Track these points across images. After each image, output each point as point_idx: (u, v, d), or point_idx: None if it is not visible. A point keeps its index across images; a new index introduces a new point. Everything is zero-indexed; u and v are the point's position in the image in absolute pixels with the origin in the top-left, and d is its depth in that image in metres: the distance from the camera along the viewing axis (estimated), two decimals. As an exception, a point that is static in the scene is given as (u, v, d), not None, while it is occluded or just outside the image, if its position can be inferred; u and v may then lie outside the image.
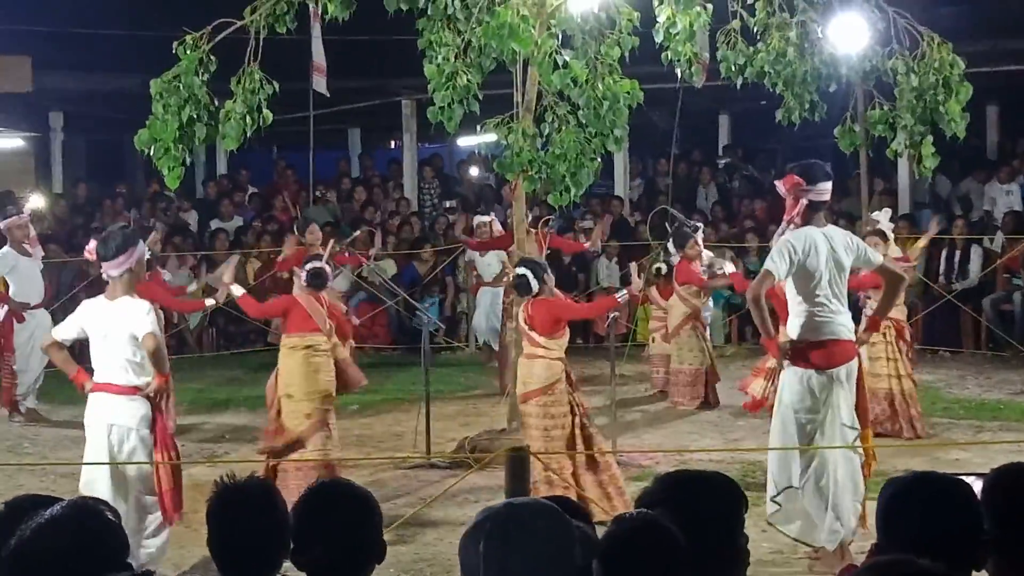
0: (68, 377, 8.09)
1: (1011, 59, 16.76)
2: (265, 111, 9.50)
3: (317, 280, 9.56)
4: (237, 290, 9.96)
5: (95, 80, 20.58)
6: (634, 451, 10.98)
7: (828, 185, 7.90)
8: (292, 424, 9.36)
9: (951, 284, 16.15)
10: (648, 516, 3.19)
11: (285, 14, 9.74)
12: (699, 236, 13.37)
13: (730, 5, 10.69)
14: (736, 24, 10.71)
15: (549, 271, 9.51)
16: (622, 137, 9.93)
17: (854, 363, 7.87)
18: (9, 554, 3.05)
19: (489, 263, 15.67)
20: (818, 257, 7.69)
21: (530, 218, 13.41)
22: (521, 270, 9.37)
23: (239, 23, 9.58)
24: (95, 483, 7.85)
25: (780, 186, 7.94)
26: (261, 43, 9.61)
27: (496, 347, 15.56)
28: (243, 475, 3.80)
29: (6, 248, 13.13)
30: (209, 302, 12.39)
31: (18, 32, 19.54)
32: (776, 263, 7.63)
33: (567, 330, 9.43)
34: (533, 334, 9.22)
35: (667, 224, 13.92)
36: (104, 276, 7.91)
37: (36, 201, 18.39)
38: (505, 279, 12.28)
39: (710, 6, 10.02)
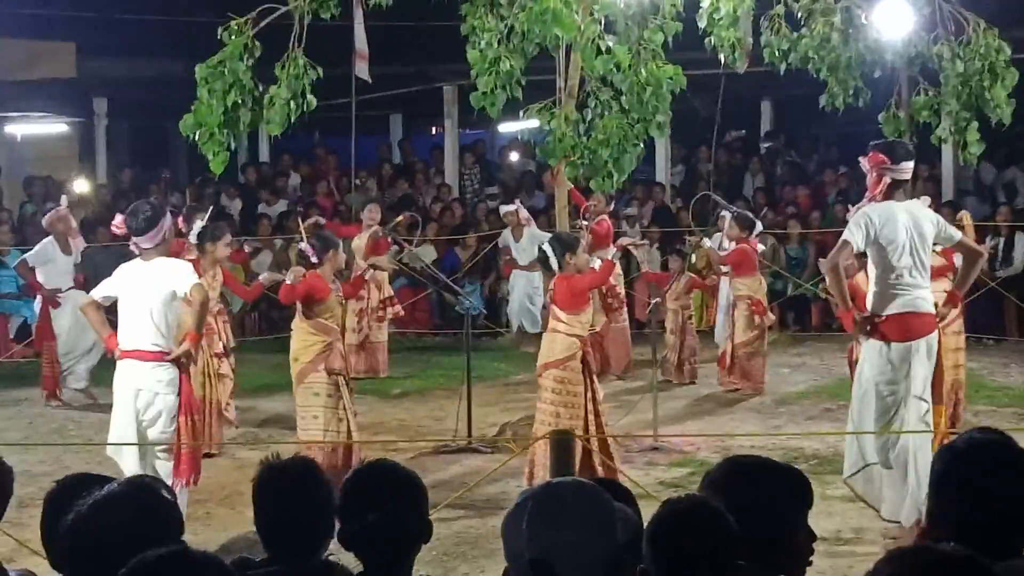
0: (100, 339, 8.42)
1: (1057, 45, 16.57)
2: (309, 96, 9.52)
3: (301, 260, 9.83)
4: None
5: (139, 66, 20.72)
6: (675, 436, 10.98)
7: (911, 164, 8.08)
8: None
9: (995, 271, 16.02)
10: (698, 498, 3.20)
11: (329, -1, 9.76)
12: (729, 218, 13.36)
13: (774, -10, 10.66)
14: (780, 9, 10.67)
15: (578, 247, 9.49)
16: (665, 123, 9.93)
17: (934, 336, 7.99)
18: (67, 529, 3.10)
19: (524, 247, 15.73)
20: (896, 229, 7.82)
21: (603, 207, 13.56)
22: (544, 247, 9.49)
23: (284, 8, 9.61)
24: (122, 449, 8.03)
25: (864, 163, 8.09)
26: (305, 28, 9.63)
27: (531, 331, 15.63)
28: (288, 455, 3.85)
29: (48, 240, 13.21)
30: (263, 276, 12.49)
31: (62, 18, 19.73)
32: (852, 233, 7.81)
33: (589, 306, 9.57)
34: (555, 308, 9.42)
35: (709, 210, 13.92)
36: (135, 250, 8.09)
37: (80, 186, 18.56)
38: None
39: (754, -9, 10.01)
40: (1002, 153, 18.48)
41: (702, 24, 10.03)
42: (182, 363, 8.13)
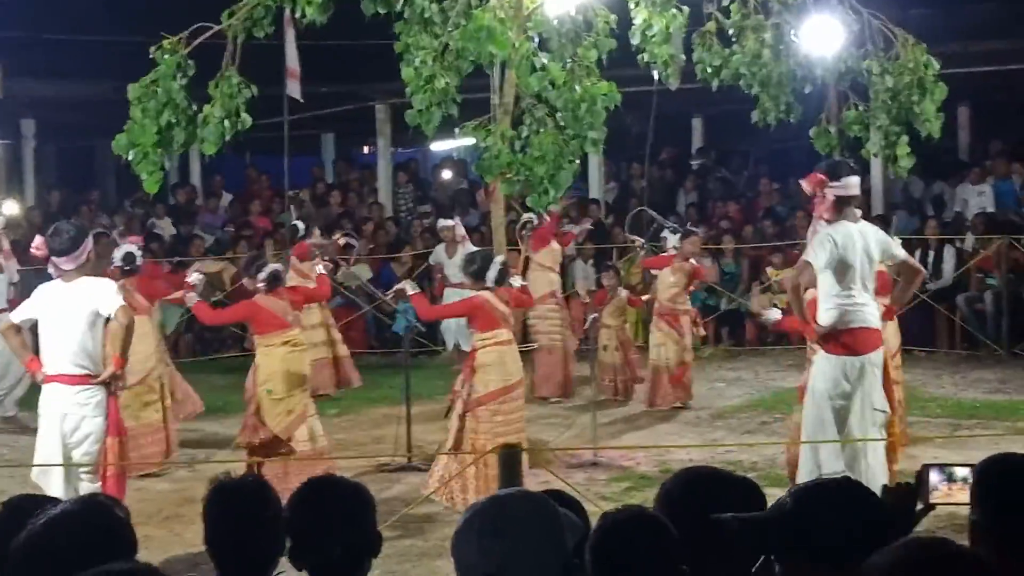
0: (22, 362, 8.23)
1: (982, 61, 16.88)
2: (244, 115, 9.48)
3: (276, 282, 9.73)
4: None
5: (66, 86, 20.48)
6: (614, 448, 11.00)
7: (854, 180, 8.25)
8: (275, 423, 9.37)
9: (925, 284, 16.22)
10: (636, 508, 3.24)
11: (263, 18, 9.71)
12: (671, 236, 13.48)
13: (705, 7, 10.75)
14: (712, 26, 10.77)
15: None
16: (600, 139, 9.97)
17: (882, 350, 8.26)
18: (19, 548, 3.05)
19: (457, 264, 15.75)
20: (854, 250, 8.03)
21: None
22: (490, 266, 9.69)
23: (217, 27, 9.56)
24: (48, 472, 7.87)
25: (805, 185, 8.20)
26: (239, 47, 9.58)
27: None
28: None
29: None
30: (192, 277, 12.34)
31: (-12, 38, 19.45)
32: (816, 254, 8.01)
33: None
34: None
35: (644, 225, 14.04)
36: (54, 273, 7.93)
37: (10, 208, 18.29)
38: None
39: (686, 8, 10.10)
40: (929, 167, 18.71)
41: (635, 41, 10.10)
42: (110, 386, 7.98)
